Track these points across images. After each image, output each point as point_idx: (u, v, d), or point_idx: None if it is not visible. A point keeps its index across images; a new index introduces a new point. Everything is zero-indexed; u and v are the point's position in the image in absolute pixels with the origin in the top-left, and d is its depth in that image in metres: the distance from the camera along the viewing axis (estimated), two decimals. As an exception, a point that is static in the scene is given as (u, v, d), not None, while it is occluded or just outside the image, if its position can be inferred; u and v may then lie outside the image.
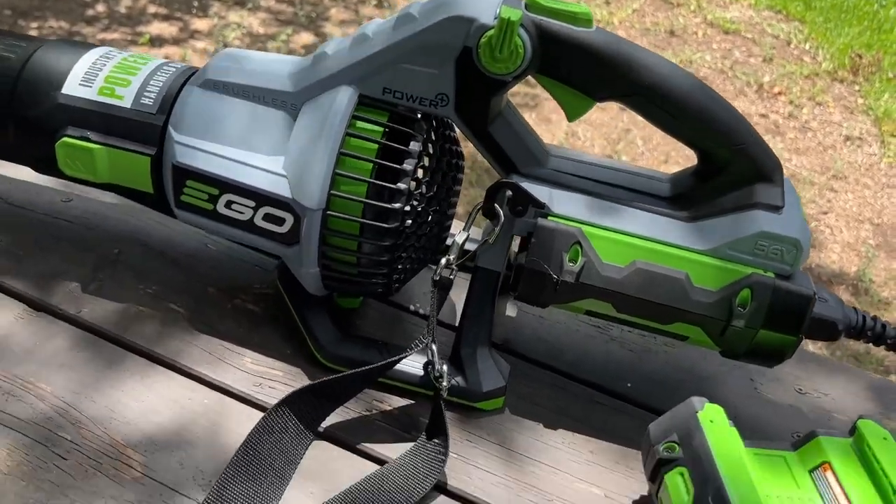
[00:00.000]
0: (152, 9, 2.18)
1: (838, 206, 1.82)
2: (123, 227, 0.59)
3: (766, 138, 2.00)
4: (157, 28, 2.11)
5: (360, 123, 0.47)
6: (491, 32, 0.43)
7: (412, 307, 0.56)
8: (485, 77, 0.45)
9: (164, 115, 0.49)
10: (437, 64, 0.45)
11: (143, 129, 0.49)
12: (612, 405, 0.53)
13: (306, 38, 2.14)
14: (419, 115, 0.48)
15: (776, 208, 0.46)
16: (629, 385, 0.54)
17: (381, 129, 0.47)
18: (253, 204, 0.47)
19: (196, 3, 2.22)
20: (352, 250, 0.47)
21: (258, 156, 0.47)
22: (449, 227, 0.52)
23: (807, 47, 2.31)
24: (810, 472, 0.43)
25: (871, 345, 0.50)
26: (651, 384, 0.55)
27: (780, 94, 2.13)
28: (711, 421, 0.42)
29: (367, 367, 0.46)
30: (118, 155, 0.49)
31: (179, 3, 2.21)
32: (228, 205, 0.48)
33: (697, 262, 0.46)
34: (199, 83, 0.49)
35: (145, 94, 0.50)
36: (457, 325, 0.53)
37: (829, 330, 0.48)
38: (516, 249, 0.50)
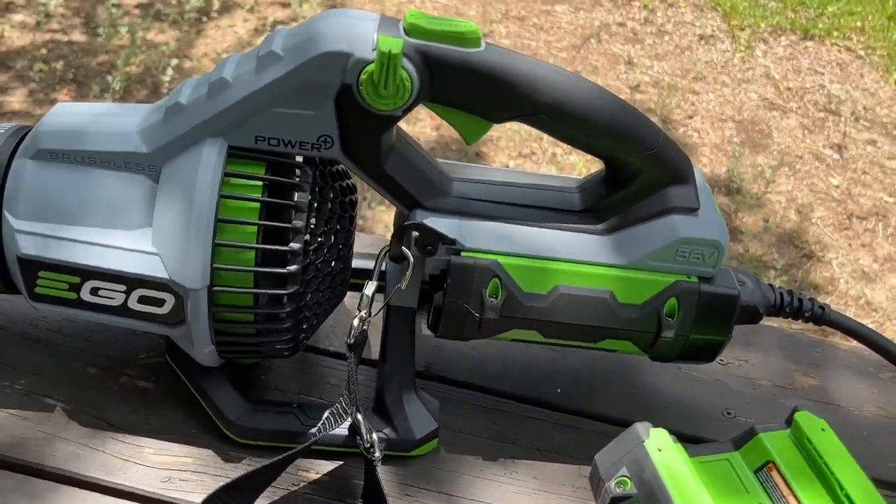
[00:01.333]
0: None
1: (702, 108, 1.86)
2: (-31, 309, 0.51)
3: (626, 48, 2.04)
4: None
5: (234, 181, 0.41)
6: (371, 67, 0.38)
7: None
8: (370, 114, 0.40)
9: (-6, 197, 0.41)
10: (315, 105, 0.39)
11: (-28, 217, 0.41)
12: (545, 418, 0.51)
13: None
14: (301, 159, 0.42)
15: (692, 210, 0.44)
16: (559, 391, 0.53)
17: (259, 183, 0.41)
18: (123, 288, 0.41)
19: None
20: (249, 322, 0.42)
21: (121, 233, 0.41)
22: (350, 262, 0.47)
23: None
24: (755, 472, 0.43)
25: (790, 320, 0.50)
26: (579, 385, 0.53)
27: (633, -1, 2.14)
28: (659, 449, 0.41)
29: (289, 454, 0.42)
30: (-54, 253, 0.41)
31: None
32: (94, 292, 0.41)
33: (620, 279, 0.44)
34: (31, 155, 0.41)
35: (-34, 174, 0.42)
36: (374, 358, 0.50)
37: (751, 314, 0.48)
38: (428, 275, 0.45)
